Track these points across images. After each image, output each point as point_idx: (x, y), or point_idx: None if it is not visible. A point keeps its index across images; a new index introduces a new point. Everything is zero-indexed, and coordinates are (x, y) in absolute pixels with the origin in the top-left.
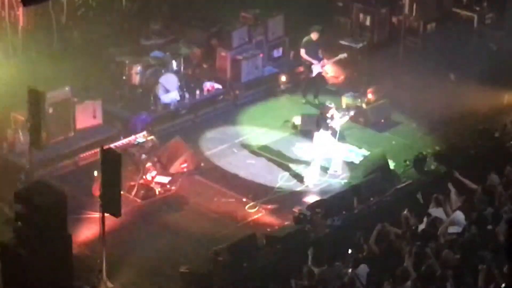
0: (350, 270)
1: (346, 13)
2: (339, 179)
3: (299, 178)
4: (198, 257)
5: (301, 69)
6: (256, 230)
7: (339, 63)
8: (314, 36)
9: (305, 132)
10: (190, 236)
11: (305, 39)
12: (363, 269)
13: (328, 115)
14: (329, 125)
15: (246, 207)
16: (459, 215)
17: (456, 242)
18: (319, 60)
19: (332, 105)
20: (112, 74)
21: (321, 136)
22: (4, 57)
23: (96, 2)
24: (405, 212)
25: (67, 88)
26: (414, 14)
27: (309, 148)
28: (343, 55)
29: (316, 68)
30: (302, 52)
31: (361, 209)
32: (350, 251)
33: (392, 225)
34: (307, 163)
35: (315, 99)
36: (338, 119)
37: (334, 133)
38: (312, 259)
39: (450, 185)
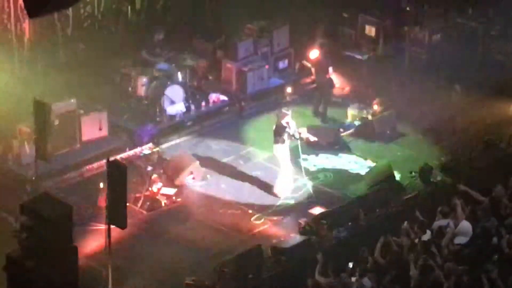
0: (355, 280)
1: (351, 24)
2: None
3: (304, 189)
4: (203, 268)
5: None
6: (262, 242)
7: (344, 74)
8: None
9: (311, 143)
10: (196, 247)
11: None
12: (366, 281)
13: (283, 122)
14: (288, 133)
15: (252, 218)
16: (466, 226)
17: (461, 253)
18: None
19: (289, 112)
20: (117, 85)
21: (281, 145)
22: (10, 68)
23: (102, 14)
24: (405, 224)
25: (72, 100)
26: (419, 25)
27: (315, 160)
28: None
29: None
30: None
31: (366, 221)
32: (351, 264)
33: (397, 236)
34: (313, 174)
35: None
36: (294, 126)
37: (293, 137)
38: (320, 267)
39: (455, 199)
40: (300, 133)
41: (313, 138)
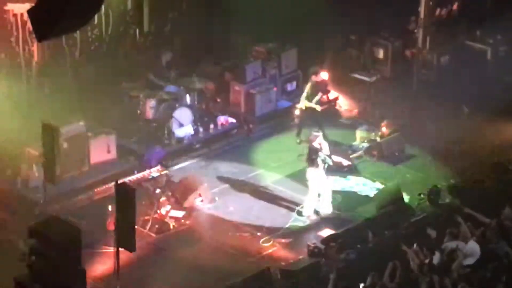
0: None
1: (359, 46)
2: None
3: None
4: None
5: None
6: (271, 264)
7: (351, 96)
8: (314, 78)
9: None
10: (205, 270)
11: (307, 89)
12: None
13: (316, 144)
14: (320, 155)
15: (260, 241)
16: (474, 246)
17: (472, 276)
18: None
19: (319, 133)
20: (126, 108)
21: (315, 169)
22: (18, 92)
23: (110, 36)
24: (414, 246)
25: (81, 123)
26: (427, 47)
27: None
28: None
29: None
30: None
31: (375, 243)
32: (361, 286)
33: (405, 259)
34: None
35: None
36: (326, 147)
37: (325, 160)
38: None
39: (459, 219)
40: (331, 156)
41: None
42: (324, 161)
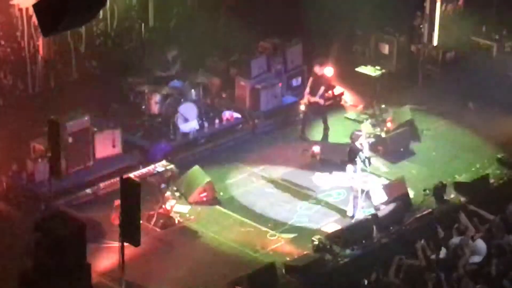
0: None
1: (365, 42)
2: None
3: (318, 207)
4: (217, 286)
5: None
6: (276, 259)
7: (356, 91)
8: (318, 68)
9: (325, 161)
10: (209, 265)
11: (310, 83)
12: None
13: (358, 143)
14: (360, 155)
15: (265, 236)
16: (480, 244)
17: (477, 271)
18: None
19: (361, 132)
20: (131, 103)
21: (355, 168)
22: (23, 87)
23: (115, 31)
24: (422, 242)
25: (86, 118)
26: (433, 42)
27: (328, 177)
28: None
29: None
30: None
31: (380, 238)
32: (366, 281)
33: (411, 254)
34: (326, 192)
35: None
36: (367, 148)
37: (365, 162)
38: None
39: (461, 216)
40: (369, 159)
41: (325, 156)
42: (363, 162)
